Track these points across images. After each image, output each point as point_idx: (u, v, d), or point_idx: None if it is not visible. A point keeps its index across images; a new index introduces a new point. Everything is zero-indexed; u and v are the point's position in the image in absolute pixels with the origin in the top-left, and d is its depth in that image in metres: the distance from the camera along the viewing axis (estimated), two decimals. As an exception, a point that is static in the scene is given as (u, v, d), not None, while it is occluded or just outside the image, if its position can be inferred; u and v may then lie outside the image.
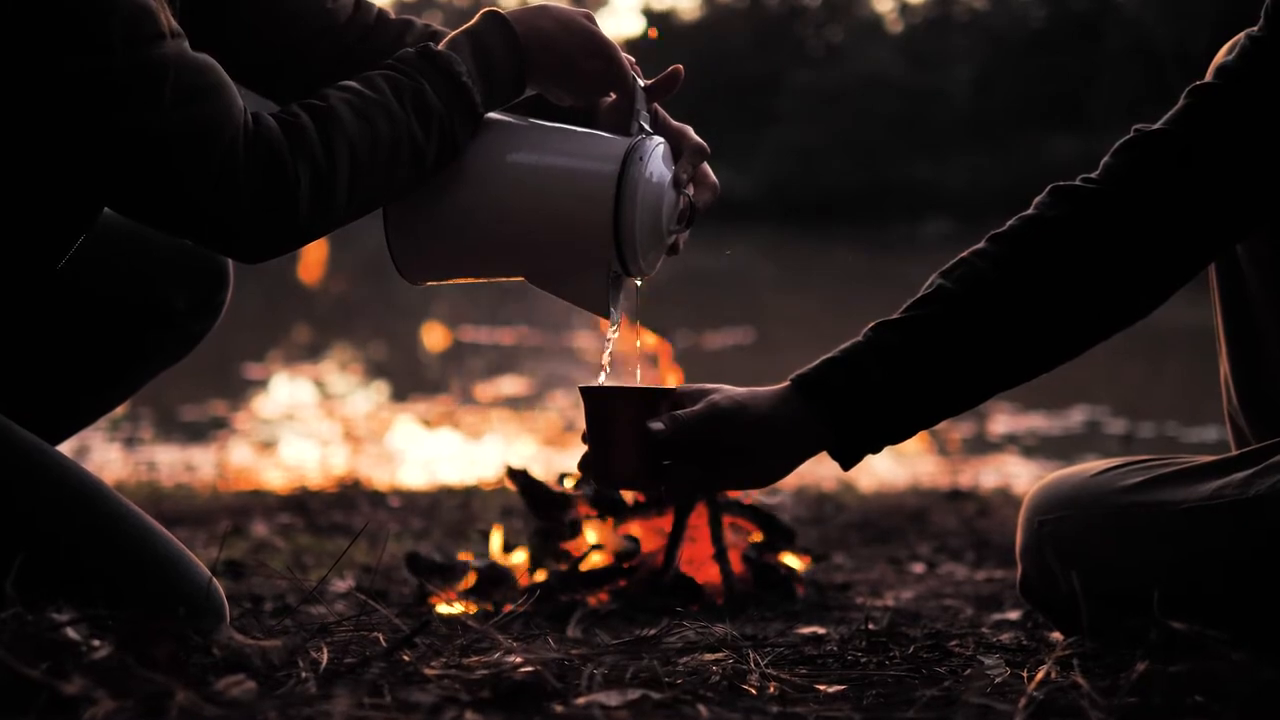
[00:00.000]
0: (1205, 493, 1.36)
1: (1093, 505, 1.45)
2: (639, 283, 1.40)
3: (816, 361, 1.34)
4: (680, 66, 1.41)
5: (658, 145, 1.35)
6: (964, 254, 1.35)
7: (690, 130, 1.41)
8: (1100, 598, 1.37)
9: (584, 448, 1.39)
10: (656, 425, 1.32)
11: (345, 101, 1.23)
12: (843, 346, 1.34)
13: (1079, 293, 1.33)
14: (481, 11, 1.35)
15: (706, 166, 1.41)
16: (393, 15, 1.47)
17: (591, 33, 1.35)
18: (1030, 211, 1.36)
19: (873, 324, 1.34)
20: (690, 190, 1.38)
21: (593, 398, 1.35)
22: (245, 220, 1.21)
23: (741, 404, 1.32)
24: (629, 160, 1.32)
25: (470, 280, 1.42)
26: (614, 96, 1.40)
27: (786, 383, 1.34)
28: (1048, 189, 1.36)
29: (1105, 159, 1.36)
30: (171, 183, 1.19)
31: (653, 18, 30.69)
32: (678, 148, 1.38)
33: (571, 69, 1.34)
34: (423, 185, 1.31)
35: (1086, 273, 1.33)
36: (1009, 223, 1.35)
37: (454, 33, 1.34)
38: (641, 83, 1.39)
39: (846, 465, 1.35)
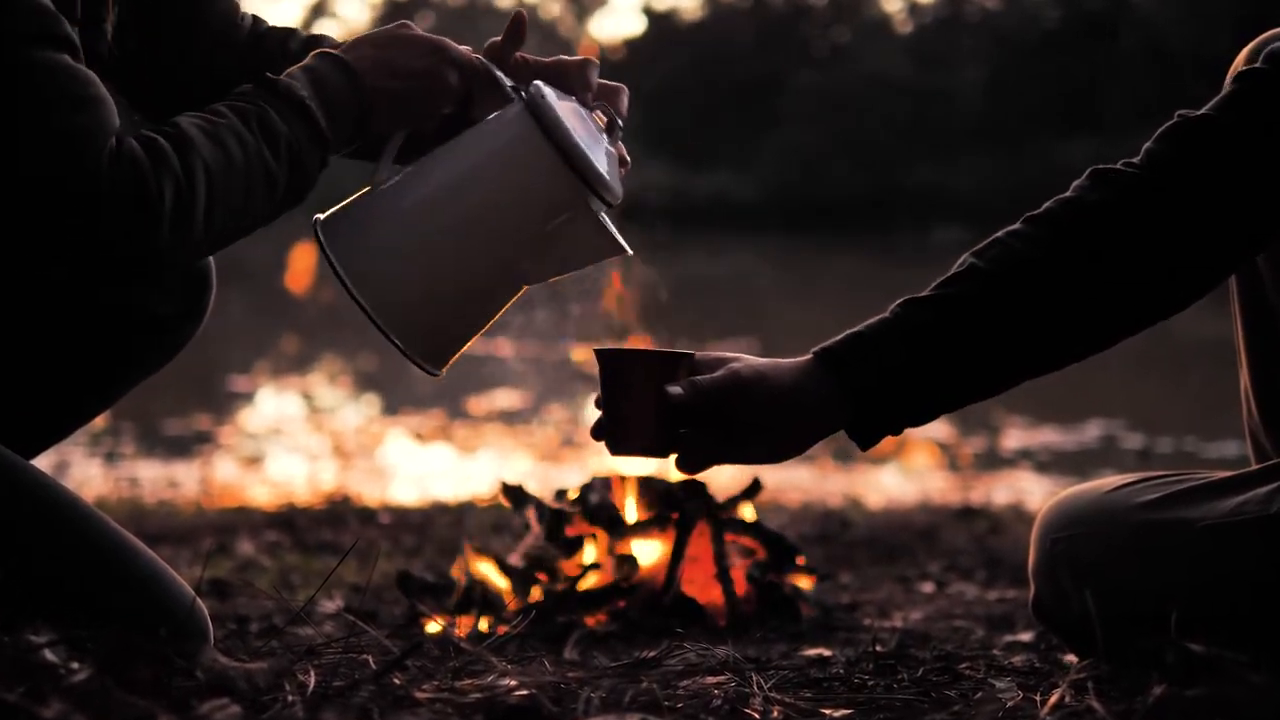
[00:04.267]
0: (1226, 509, 1.34)
1: (1108, 523, 1.43)
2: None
3: (841, 335, 1.31)
4: (523, 11, 1.43)
5: (541, 86, 1.35)
6: (998, 234, 1.32)
7: (562, 56, 1.43)
8: (1116, 618, 1.35)
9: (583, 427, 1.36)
10: (675, 389, 1.29)
11: (195, 126, 1.25)
12: (868, 321, 1.31)
13: (1115, 280, 1.29)
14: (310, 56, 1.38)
15: (595, 76, 1.42)
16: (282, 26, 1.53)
17: (411, 34, 1.38)
18: (1069, 194, 1.32)
19: (901, 300, 1.31)
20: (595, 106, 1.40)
21: (609, 360, 1.33)
22: (108, 236, 1.21)
23: (763, 374, 1.29)
24: (534, 110, 1.32)
25: (488, 326, 1.40)
26: (474, 94, 1.40)
27: (809, 355, 1.31)
28: (1088, 172, 1.33)
29: (1147, 144, 1.32)
30: (44, 190, 1.19)
31: (653, 17, 30.83)
32: (563, 76, 1.40)
33: (411, 74, 1.35)
34: (277, 216, 1.32)
35: (1124, 259, 1.29)
36: (1046, 205, 1.32)
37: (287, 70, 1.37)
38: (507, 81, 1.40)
39: (865, 445, 1.32)
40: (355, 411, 7.01)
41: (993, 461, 5.35)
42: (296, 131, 1.29)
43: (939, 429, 5.63)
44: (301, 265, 16.16)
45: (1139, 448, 5.74)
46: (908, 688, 1.32)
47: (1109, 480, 1.49)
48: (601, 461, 2.58)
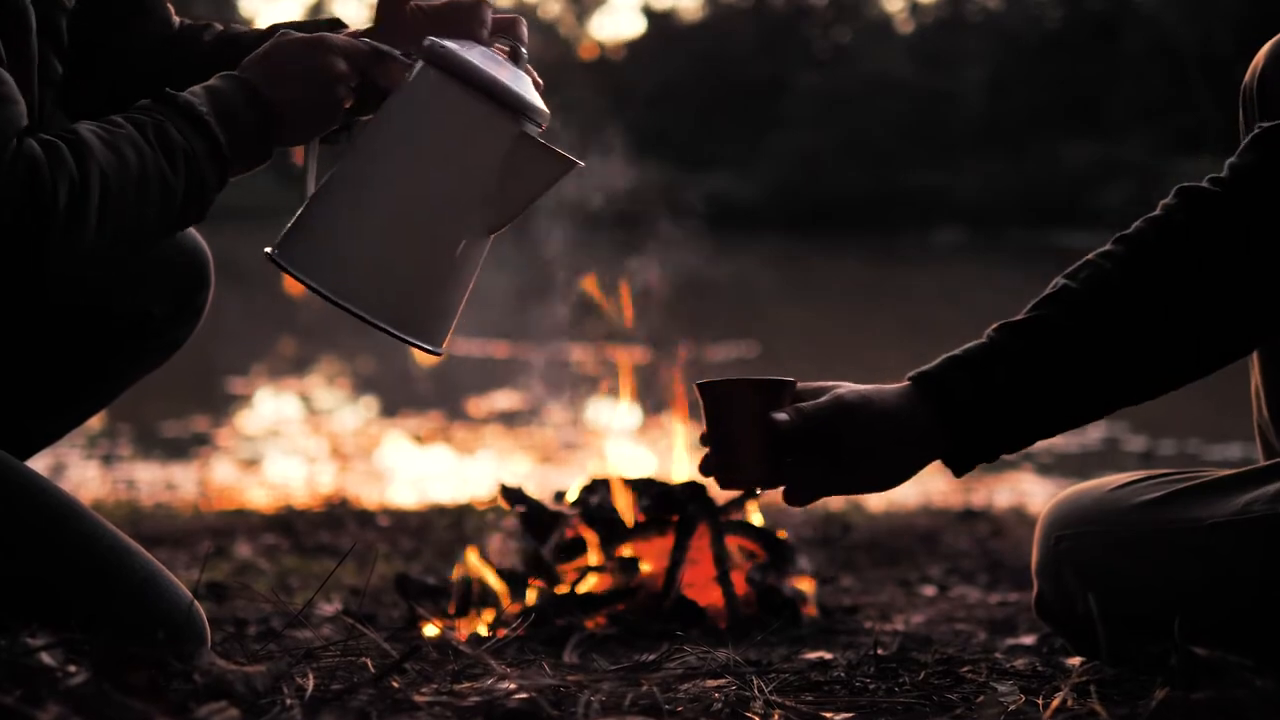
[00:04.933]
0: (1233, 508, 1.33)
1: (1112, 521, 1.42)
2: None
3: (938, 359, 1.31)
4: None
5: (434, 39, 1.36)
6: (1089, 255, 1.32)
7: None
8: (1120, 618, 1.34)
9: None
10: (781, 416, 1.29)
11: (94, 133, 1.26)
12: (965, 345, 1.31)
13: (1205, 301, 1.28)
14: None
15: (489, 13, 1.43)
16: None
17: (288, 39, 1.38)
18: (1156, 213, 1.32)
19: (995, 325, 1.31)
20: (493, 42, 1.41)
21: (712, 391, 1.33)
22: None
23: (868, 399, 1.29)
24: (437, 62, 1.33)
25: (471, 287, 1.40)
26: (370, 75, 1.41)
27: (906, 380, 1.31)
28: (1174, 190, 1.32)
29: (1230, 159, 1.31)
30: None
31: (653, 17, 30.78)
32: (459, 18, 1.41)
33: (300, 75, 1.36)
34: (177, 227, 1.33)
35: (1212, 277, 1.28)
36: (1135, 224, 1.32)
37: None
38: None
39: (959, 471, 1.32)
40: (354, 413, 7.00)
41: (994, 464, 5.32)
42: (194, 145, 1.29)
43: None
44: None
45: (1142, 450, 5.72)
46: (909, 691, 1.31)
47: (1113, 478, 1.49)
48: (601, 463, 2.57)
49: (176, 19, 1.54)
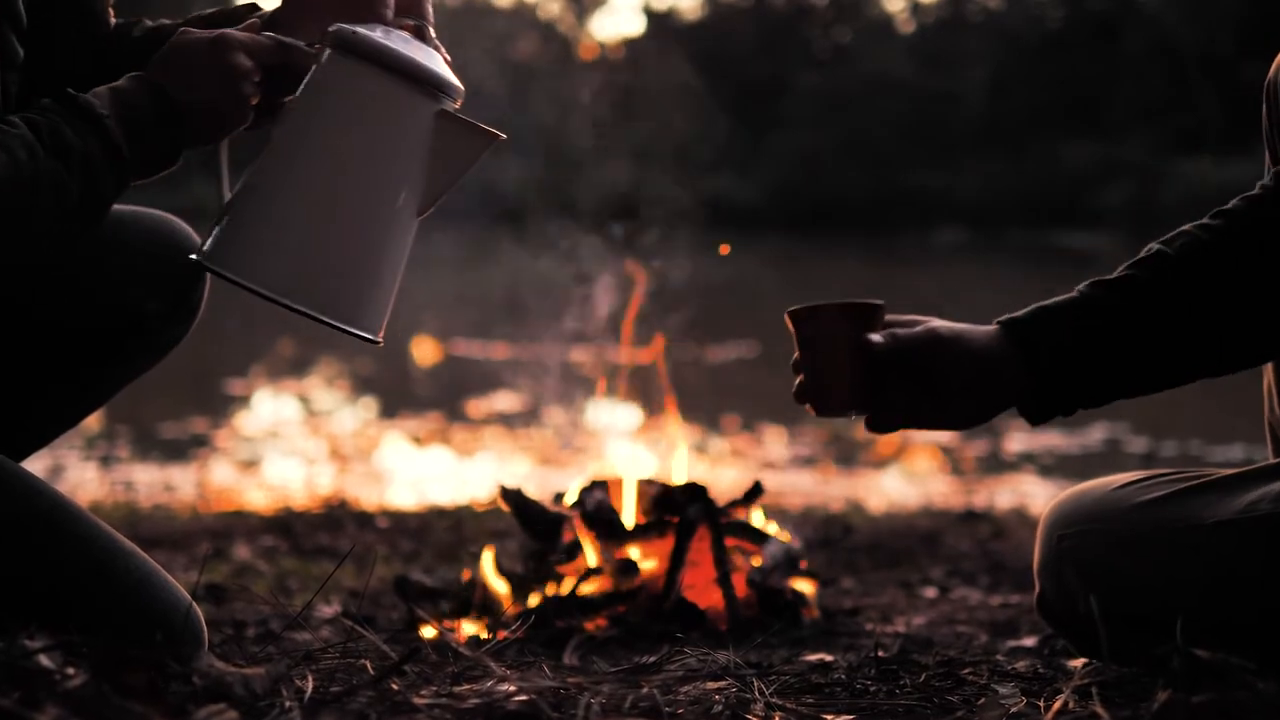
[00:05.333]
0: (1238, 506, 1.33)
1: (1115, 520, 1.42)
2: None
3: (1028, 307, 1.34)
4: None
5: (340, 25, 1.35)
6: (1185, 226, 1.34)
7: None
8: (1122, 618, 1.34)
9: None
10: (876, 338, 1.31)
11: None
12: (1056, 297, 1.34)
13: None
14: None
15: None
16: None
17: (190, 37, 1.36)
18: (1255, 191, 1.34)
19: (1088, 280, 1.33)
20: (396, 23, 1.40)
21: (807, 317, 1.34)
22: None
23: (960, 335, 1.32)
24: (346, 48, 1.32)
25: (402, 271, 1.39)
26: (276, 67, 1.39)
27: (994, 324, 1.34)
28: (1271, 173, 1.34)
29: None
30: None
31: (653, 17, 30.76)
32: (360, 6, 1.40)
33: (205, 71, 1.34)
34: (75, 229, 1.30)
35: None
36: (1233, 201, 1.34)
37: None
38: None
39: (1035, 420, 1.34)
40: (353, 414, 6.99)
41: (996, 465, 5.32)
42: (91, 147, 1.27)
43: (941, 432, 5.59)
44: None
45: (1144, 451, 5.71)
46: (910, 693, 1.31)
47: (1116, 477, 1.49)
48: (601, 465, 2.57)
49: (113, 19, 1.52)
